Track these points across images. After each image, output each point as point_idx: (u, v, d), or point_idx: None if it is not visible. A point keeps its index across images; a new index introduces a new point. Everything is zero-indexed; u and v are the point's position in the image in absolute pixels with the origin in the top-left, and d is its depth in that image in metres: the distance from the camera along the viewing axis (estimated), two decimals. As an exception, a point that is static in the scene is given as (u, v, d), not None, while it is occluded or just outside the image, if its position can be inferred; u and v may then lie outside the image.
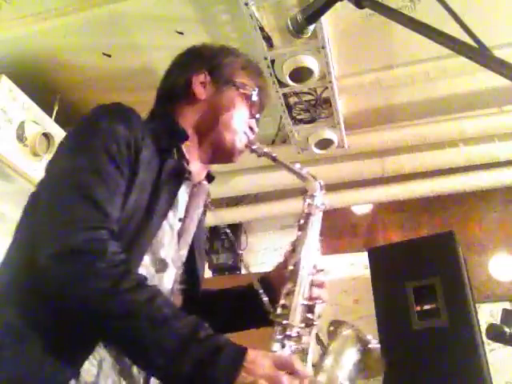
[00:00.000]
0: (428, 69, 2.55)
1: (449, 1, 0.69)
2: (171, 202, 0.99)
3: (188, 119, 1.13)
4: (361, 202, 3.28)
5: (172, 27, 2.33)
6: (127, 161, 0.92)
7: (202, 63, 1.18)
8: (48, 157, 2.37)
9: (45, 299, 0.81)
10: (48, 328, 0.81)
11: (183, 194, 1.05)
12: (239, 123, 1.15)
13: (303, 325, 0.91)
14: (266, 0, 2.08)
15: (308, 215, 1.10)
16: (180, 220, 1.04)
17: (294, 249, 1.05)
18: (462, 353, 2.16)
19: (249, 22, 2.12)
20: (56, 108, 2.63)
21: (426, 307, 2.38)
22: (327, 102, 2.62)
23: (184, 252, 1.06)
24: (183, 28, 2.33)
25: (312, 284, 0.99)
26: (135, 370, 0.90)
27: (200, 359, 0.73)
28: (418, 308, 2.36)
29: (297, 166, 1.16)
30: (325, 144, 2.86)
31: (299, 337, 0.89)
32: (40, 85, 2.63)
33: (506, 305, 2.85)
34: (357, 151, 2.98)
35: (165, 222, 0.97)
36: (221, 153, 1.16)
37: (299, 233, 1.08)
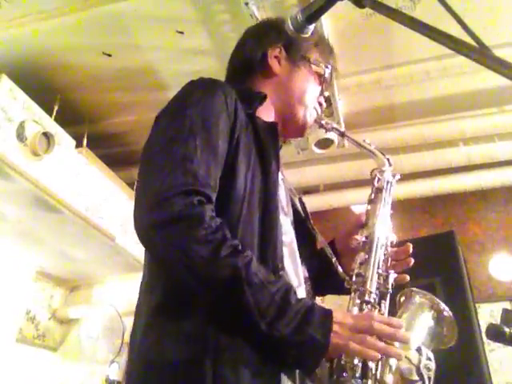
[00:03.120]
0: (428, 69, 2.56)
1: (449, 1, 0.69)
2: (278, 160, 1.01)
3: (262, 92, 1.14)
4: (361, 202, 3.28)
5: (172, 27, 2.33)
6: (225, 125, 0.92)
7: (279, 37, 1.17)
8: (48, 157, 2.37)
9: None
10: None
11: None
12: (311, 99, 1.17)
13: (378, 292, 0.94)
14: (266, 0, 2.08)
15: (378, 190, 1.12)
16: (282, 180, 1.08)
17: (366, 222, 1.08)
18: (462, 353, 2.16)
19: (249, 21, 2.12)
20: (56, 108, 2.63)
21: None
22: (327, 102, 2.63)
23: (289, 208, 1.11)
24: (183, 28, 2.33)
25: (386, 255, 1.02)
26: None
27: (296, 322, 0.76)
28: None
29: (365, 142, 1.19)
30: (325, 144, 2.86)
31: (376, 303, 0.92)
32: (40, 85, 2.63)
33: (506, 305, 2.86)
34: (357, 151, 2.98)
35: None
36: (292, 127, 1.18)
37: (369, 207, 1.10)
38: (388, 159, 1.17)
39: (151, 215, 0.79)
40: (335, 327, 0.77)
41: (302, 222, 1.14)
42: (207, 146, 0.86)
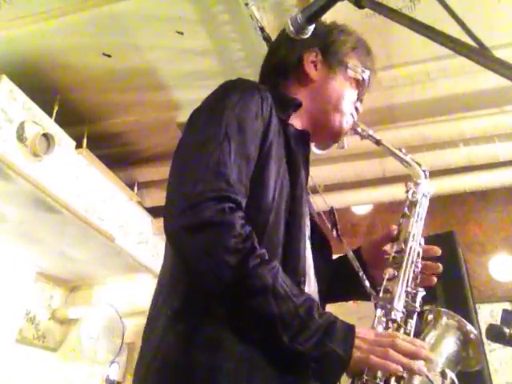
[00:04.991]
0: (428, 69, 2.55)
1: (449, 1, 0.69)
2: (307, 169, 1.01)
3: (297, 97, 1.11)
4: (361, 202, 3.27)
5: (172, 27, 2.33)
6: (259, 131, 0.91)
7: (315, 40, 1.11)
8: (48, 157, 2.37)
9: None
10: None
11: None
12: (348, 105, 1.15)
13: (405, 310, 0.92)
14: (266, 0, 2.08)
15: (412, 203, 1.09)
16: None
17: (397, 236, 1.05)
18: (462, 353, 2.16)
19: (249, 22, 2.11)
20: (56, 108, 2.63)
21: (426, 307, 2.37)
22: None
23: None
24: (183, 28, 2.33)
25: (415, 272, 1.00)
26: None
27: (318, 336, 0.75)
28: (418, 308, 2.36)
29: (401, 152, 1.18)
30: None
31: (404, 322, 0.90)
32: (40, 85, 2.63)
33: (506, 305, 2.85)
34: (357, 151, 2.98)
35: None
36: (326, 133, 1.16)
37: (402, 220, 1.07)
38: (424, 171, 1.14)
39: (182, 218, 0.78)
40: (357, 342, 0.77)
41: (314, 233, 1.12)
42: (241, 150, 0.86)
